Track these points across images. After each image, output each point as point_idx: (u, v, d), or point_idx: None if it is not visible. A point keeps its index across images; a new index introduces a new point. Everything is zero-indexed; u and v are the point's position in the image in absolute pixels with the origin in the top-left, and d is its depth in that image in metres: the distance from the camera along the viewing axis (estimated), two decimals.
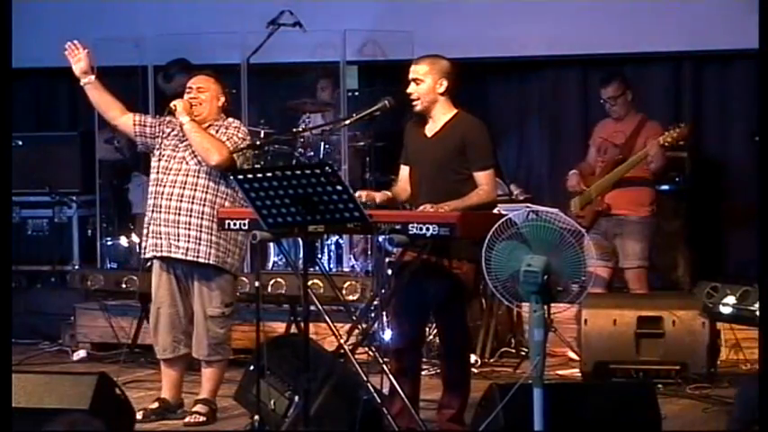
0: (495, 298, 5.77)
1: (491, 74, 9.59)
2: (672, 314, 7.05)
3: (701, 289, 6.96)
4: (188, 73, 7.66)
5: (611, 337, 7.08)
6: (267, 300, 7.65)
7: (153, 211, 6.28)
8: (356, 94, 9.20)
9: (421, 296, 5.64)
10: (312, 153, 8.53)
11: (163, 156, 6.31)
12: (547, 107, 9.58)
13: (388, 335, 6.02)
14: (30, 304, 8.83)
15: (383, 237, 5.33)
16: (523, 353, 7.58)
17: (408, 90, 5.69)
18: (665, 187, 8.48)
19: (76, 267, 9.22)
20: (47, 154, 9.56)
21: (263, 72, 8.90)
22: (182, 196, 6.21)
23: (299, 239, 5.51)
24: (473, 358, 7.25)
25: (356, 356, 5.54)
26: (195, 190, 6.22)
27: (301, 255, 5.79)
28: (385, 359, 5.62)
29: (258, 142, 6.96)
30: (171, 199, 6.22)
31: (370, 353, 5.61)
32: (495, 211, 5.69)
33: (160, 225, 6.23)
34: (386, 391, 5.51)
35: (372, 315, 6.16)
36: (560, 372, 7.45)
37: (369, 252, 8.35)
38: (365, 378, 5.43)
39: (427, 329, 6.40)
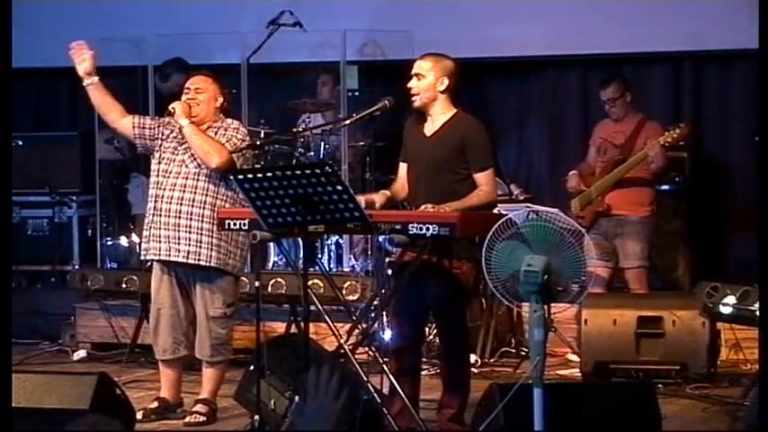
0: (495, 298, 5.77)
1: (491, 74, 9.59)
2: (672, 314, 7.05)
3: (701, 289, 6.96)
4: (184, 72, 7.66)
5: (611, 337, 7.08)
6: (267, 300, 7.64)
7: (153, 214, 6.27)
8: (356, 94, 9.19)
9: (421, 296, 5.64)
10: (312, 153, 8.53)
11: (162, 158, 6.31)
12: (547, 107, 9.58)
13: (388, 335, 6.02)
14: (30, 304, 8.82)
15: (383, 237, 5.33)
16: (523, 353, 7.58)
17: (409, 84, 5.69)
18: (665, 187, 8.48)
19: (76, 267, 9.22)
20: (47, 154, 9.56)
21: (263, 72, 8.90)
22: (182, 199, 6.20)
23: (299, 239, 5.52)
24: (473, 358, 7.25)
25: (356, 356, 5.54)
26: (195, 193, 6.21)
27: (301, 255, 5.79)
28: (385, 359, 5.62)
29: (258, 142, 6.95)
30: (171, 202, 6.21)
31: (370, 353, 5.61)
32: (495, 211, 5.69)
33: (160, 228, 6.22)
34: (386, 391, 5.51)
35: (372, 315, 6.16)
36: (560, 372, 7.45)
37: (369, 252, 8.35)
38: (365, 378, 5.43)
39: (427, 329, 6.40)
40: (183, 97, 6.32)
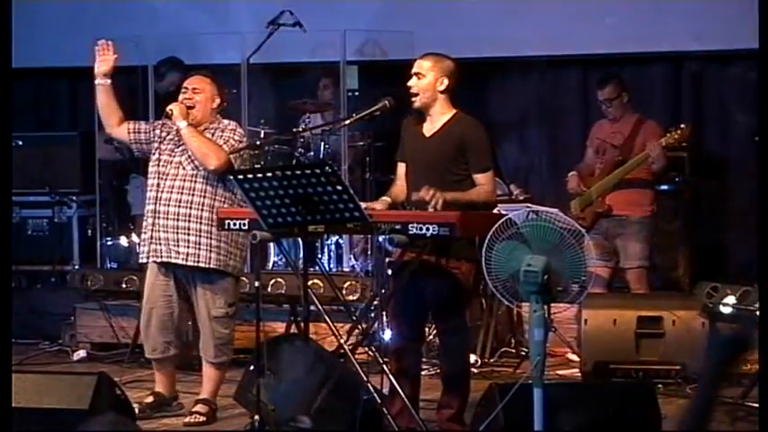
0: (495, 298, 5.77)
1: (491, 74, 9.59)
2: (672, 314, 7.04)
3: (701, 289, 6.96)
4: (179, 71, 7.66)
5: (611, 337, 7.08)
6: (267, 300, 7.65)
7: (151, 216, 6.27)
8: (356, 94, 9.19)
9: (420, 296, 5.64)
10: (312, 153, 8.52)
11: (159, 160, 6.31)
12: (547, 107, 9.58)
13: (387, 335, 6.02)
14: (30, 304, 8.82)
15: (383, 237, 5.33)
16: (523, 353, 7.58)
17: (409, 83, 5.69)
18: (664, 187, 8.48)
19: (76, 267, 9.22)
20: (47, 154, 9.56)
21: (263, 72, 8.90)
22: (180, 201, 6.20)
23: (299, 239, 5.52)
24: (473, 358, 7.25)
25: (356, 356, 5.54)
26: (193, 195, 6.21)
27: (301, 255, 5.79)
28: (385, 359, 5.62)
29: (258, 142, 6.95)
30: (169, 204, 6.21)
31: (370, 353, 5.61)
32: (494, 211, 5.69)
33: (159, 231, 6.22)
34: (386, 391, 5.51)
35: (372, 315, 6.16)
36: (560, 372, 7.45)
37: (369, 252, 8.35)
38: (365, 378, 5.43)
39: (427, 329, 6.40)
40: (181, 96, 6.32)
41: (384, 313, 6.06)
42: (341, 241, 8.53)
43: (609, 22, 8.95)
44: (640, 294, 7.73)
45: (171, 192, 6.23)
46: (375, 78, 9.40)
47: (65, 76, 10.20)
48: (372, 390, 5.39)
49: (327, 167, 5.02)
